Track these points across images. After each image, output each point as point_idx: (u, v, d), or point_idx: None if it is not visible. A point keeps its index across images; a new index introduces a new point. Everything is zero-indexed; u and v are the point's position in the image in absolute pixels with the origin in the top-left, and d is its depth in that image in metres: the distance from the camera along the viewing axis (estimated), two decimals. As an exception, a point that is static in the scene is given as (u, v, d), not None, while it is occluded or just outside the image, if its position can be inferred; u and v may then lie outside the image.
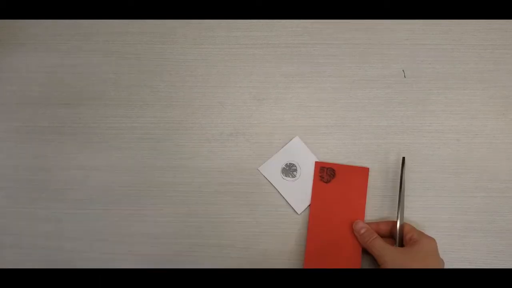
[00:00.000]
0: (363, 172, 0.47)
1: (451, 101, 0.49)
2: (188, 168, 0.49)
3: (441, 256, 0.42)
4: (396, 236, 0.43)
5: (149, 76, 0.51)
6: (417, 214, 0.47)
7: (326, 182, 0.47)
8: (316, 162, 0.48)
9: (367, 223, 0.45)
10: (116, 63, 0.52)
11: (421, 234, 0.42)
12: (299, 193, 0.47)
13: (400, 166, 0.45)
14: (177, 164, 0.49)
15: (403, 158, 0.46)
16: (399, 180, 0.45)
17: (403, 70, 0.50)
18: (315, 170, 0.48)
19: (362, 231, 0.44)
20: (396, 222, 0.43)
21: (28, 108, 0.51)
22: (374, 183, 0.48)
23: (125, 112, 0.51)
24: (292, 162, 0.48)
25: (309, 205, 0.47)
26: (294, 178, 0.48)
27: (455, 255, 0.47)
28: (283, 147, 0.48)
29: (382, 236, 0.44)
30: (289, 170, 0.48)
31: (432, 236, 0.42)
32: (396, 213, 0.44)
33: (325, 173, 0.47)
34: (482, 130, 0.48)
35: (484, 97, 0.49)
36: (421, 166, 0.48)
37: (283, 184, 0.48)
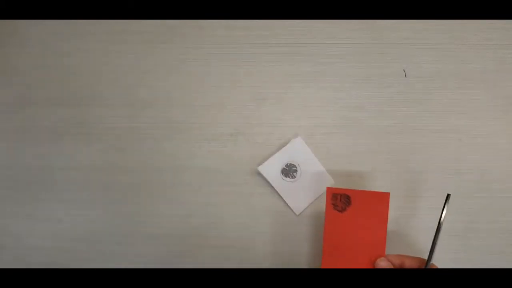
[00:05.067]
0: (383, 198, 0.41)
1: (453, 101, 0.49)
2: (188, 168, 0.49)
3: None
4: None
5: (149, 76, 0.51)
6: (418, 214, 0.47)
7: (341, 211, 0.41)
8: (328, 189, 0.42)
9: (389, 256, 0.40)
10: (115, 63, 0.51)
11: None
12: (298, 194, 0.47)
13: (443, 203, 0.38)
14: (177, 164, 0.49)
15: (448, 195, 0.38)
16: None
17: (404, 70, 0.49)
18: (327, 198, 0.42)
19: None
20: (427, 262, 0.38)
21: (28, 108, 0.51)
22: (376, 183, 0.48)
23: (125, 112, 0.50)
24: (293, 163, 0.48)
25: (326, 227, 0.42)
26: (294, 179, 0.47)
27: (456, 255, 0.46)
28: (283, 147, 0.48)
29: None
30: (289, 170, 0.47)
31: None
32: (428, 254, 0.38)
33: (339, 200, 0.42)
34: (484, 130, 0.48)
35: (486, 97, 0.48)
36: (423, 166, 0.47)
37: (283, 185, 0.47)
